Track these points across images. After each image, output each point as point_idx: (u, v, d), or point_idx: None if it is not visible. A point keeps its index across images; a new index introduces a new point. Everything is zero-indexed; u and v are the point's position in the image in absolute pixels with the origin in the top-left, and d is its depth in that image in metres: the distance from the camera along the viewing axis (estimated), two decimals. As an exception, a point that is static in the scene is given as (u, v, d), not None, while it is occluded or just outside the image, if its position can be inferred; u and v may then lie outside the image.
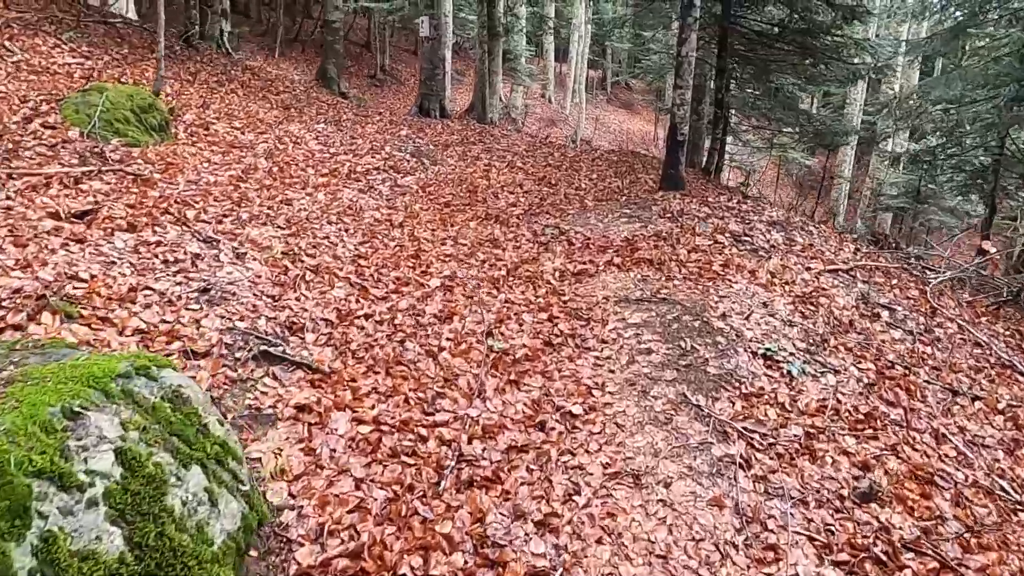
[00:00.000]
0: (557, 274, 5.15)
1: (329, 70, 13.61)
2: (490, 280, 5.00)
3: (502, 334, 4.16)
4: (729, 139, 15.53)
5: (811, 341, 4.24)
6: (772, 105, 13.95)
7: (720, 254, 5.36)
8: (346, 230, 5.39)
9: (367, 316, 4.08)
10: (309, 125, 8.21)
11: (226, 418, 2.71)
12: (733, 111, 13.55)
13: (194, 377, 2.82)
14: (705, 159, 12.57)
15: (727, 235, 5.75)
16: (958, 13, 12.61)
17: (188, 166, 5.81)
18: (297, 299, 3.98)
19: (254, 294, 3.86)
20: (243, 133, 7.24)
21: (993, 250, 7.77)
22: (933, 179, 16.58)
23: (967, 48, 15.30)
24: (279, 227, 5.02)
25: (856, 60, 11.78)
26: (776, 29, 11.36)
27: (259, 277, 4.07)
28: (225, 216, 4.87)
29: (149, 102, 6.43)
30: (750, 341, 4.10)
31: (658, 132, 29.17)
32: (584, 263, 5.35)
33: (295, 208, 5.55)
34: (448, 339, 4.01)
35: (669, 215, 6.25)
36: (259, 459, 2.71)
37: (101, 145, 5.37)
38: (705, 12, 11.74)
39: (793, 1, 10.53)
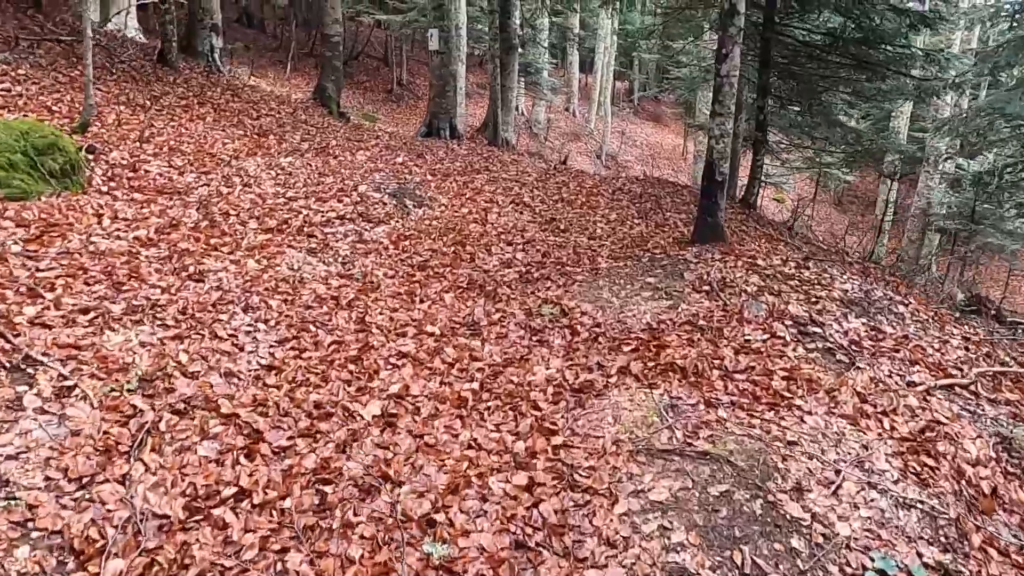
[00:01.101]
0: (551, 390, 3.56)
1: (327, 88, 12.22)
2: (455, 401, 3.45)
3: (450, 522, 2.60)
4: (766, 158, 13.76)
5: (943, 538, 2.61)
6: (816, 122, 12.23)
7: (781, 357, 3.73)
8: (266, 320, 3.89)
9: (241, 496, 2.56)
10: (274, 159, 6.77)
11: None
12: (773, 129, 11.86)
13: None
14: (742, 188, 10.89)
15: (788, 322, 4.12)
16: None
17: (80, 227, 4.37)
18: (121, 479, 2.48)
19: (45, 478, 2.37)
20: (183, 173, 5.81)
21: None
22: (997, 200, 14.61)
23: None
24: (163, 325, 3.54)
25: (916, 72, 9.97)
26: (828, 39, 9.65)
27: (75, 436, 2.58)
28: (85, 312, 3.40)
29: (50, 141, 5.02)
30: (847, 548, 2.48)
31: (687, 146, 27.38)
32: (590, 369, 3.76)
33: (205, 287, 4.07)
34: (363, 539, 2.47)
35: (707, 287, 4.63)
36: None
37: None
38: (744, 21, 10.10)
39: (849, 7, 8.81)
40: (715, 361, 3.71)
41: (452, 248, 5.75)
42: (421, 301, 4.63)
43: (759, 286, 4.62)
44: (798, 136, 13.35)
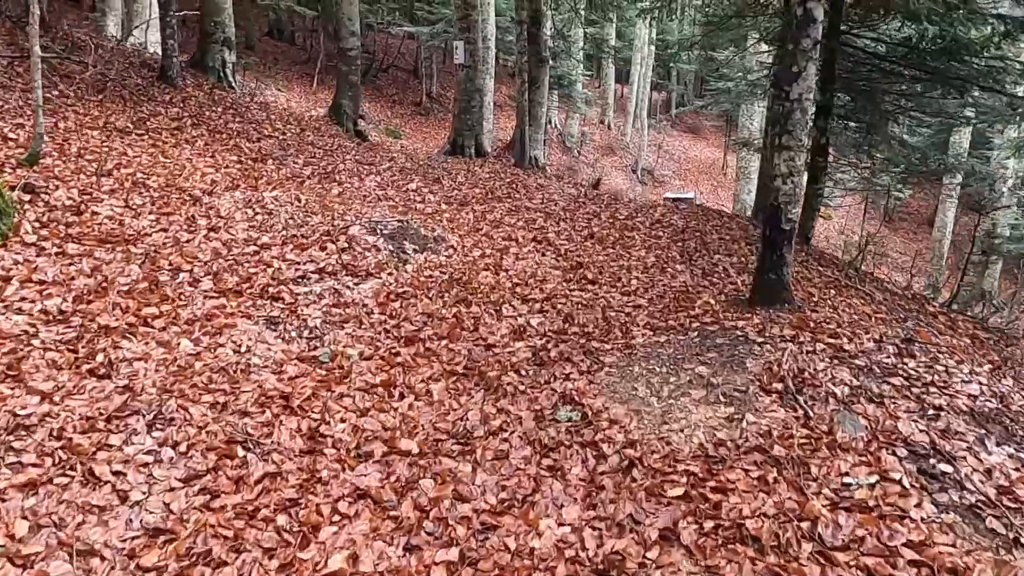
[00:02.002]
0: (562, 570, 2.40)
1: (343, 105, 11.25)
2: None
3: None
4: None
5: None
6: (877, 141, 10.81)
7: (902, 521, 2.49)
8: (177, 444, 2.80)
9: None
10: (257, 193, 5.74)
11: None
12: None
13: None
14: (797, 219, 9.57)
15: (901, 451, 2.88)
16: None
17: (-29, 297, 3.37)
18: None
19: None
20: (139, 215, 4.81)
21: None
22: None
23: None
24: (16, 464, 2.48)
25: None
26: (901, 50, 8.28)
27: None
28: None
29: (-36, 182, 4.07)
30: None
31: (728, 161, 25.86)
32: (620, 527, 2.58)
33: (107, 388, 3.01)
34: None
35: (779, 384, 3.41)
36: None
37: None
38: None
39: (930, 11, 7.43)
40: (803, 525, 2.49)
41: (454, 309, 4.61)
42: (401, 396, 3.50)
43: (851, 385, 3.37)
44: (856, 155, 11.93)
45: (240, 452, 2.83)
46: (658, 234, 7.26)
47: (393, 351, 3.92)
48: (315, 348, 3.79)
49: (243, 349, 3.58)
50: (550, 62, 13.39)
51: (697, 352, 3.83)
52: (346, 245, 5.11)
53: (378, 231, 5.54)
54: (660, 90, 31.62)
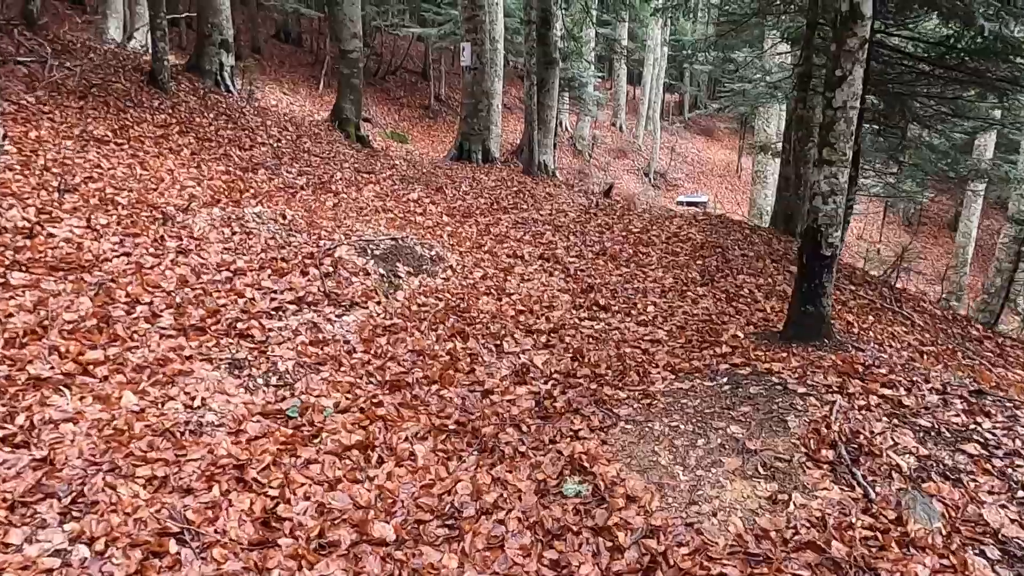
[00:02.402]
0: None
1: (345, 110, 10.73)
2: None
3: None
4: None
5: None
6: (905, 145, 10.19)
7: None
8: (93, 539, 2.26)
9: None
10: (239, 209, 5.22)
11: None
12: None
13: None
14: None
15: (989, 550, 2.29)
16: None
17: None
18: None
19: None
20: (101, 237, 4.29)
21: None
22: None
23: None
24: None
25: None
26: (939, 50, 7.63)
27: None
28: None
29: None
30: None
31: (742, 163, 25.15)
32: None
33: (20, 463, 2.48)
34: None
35: (828, 448, 2.80)
36: None
37: None
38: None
39: (971, 9, 6.78)
40: (879, 665, 1.91)
41: (448, 344, 4.05)
42: (380, 460, 2.94)
43: (917, 455, 2.77)
44: (882, 160, 11.27)
45: (173, 547, 2.28)
46: (675, 250, 6.66)
47: (375, 400, 3.36)
48: (283, 399, 3.24)
49: (197, 403, 3.04)
50: (560, 64, 12.82)
51: (728, 405, 3.24)
52: (331, 269, 4.57)
53: (368, 251, 4.99)
54: (673, 91, 30.93)
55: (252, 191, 6.16)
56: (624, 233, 7.26)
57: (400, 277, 4.84)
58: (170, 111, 7.71)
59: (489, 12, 13.15)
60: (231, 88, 10.37)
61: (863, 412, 3.07)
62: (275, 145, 8.04)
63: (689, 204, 22.20)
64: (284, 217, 5.29)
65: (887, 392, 3.26)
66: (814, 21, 8.65)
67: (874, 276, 7.94)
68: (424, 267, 5.17)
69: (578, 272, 5.82)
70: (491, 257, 5.99)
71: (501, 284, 5.26)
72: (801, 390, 3.30)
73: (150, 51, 8.56)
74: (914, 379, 3.44)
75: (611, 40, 23.05)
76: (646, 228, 7.55)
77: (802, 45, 8.89)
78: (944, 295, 14.57)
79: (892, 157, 11.18)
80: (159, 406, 2.95)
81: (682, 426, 3.11)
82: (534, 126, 10.71)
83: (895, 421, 3.00)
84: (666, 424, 3.15)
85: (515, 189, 8.93)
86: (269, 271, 4.37)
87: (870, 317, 5.39)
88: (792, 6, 8.97)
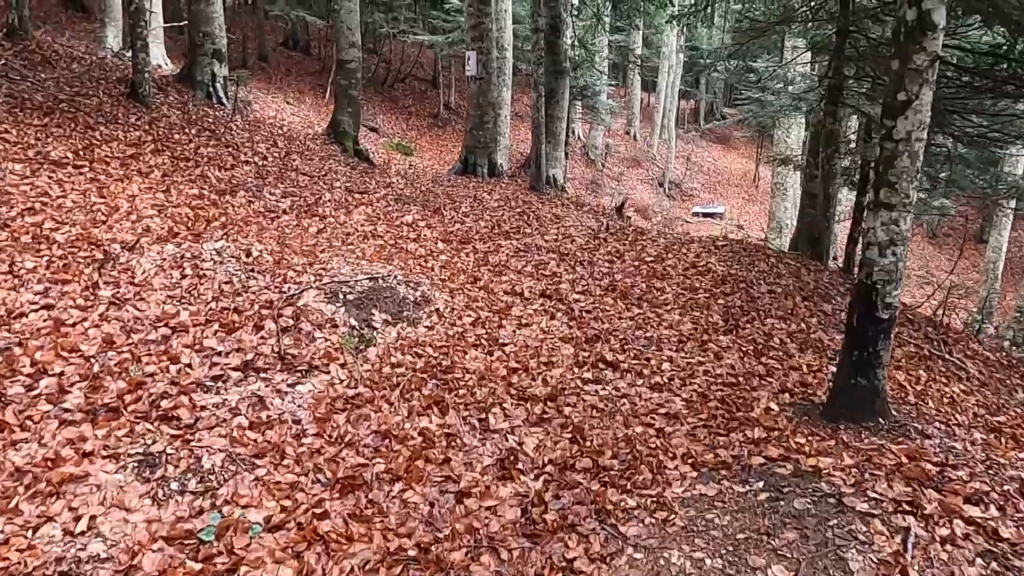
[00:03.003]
0: None
1: (342, 123, 10.07)
2: None
3: None
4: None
5: None
6: (941, 160, 9.37)
7: None
8: None
9: None
10: (197, 245, 4.53)
11: None
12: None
13: None
14: (838, 249, 8.12)
15: None
16: None
17: None
18: None
19: None
20: (23, 286, 3.61)
21: None
22: None
23: None
24: None
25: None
26: (987, 60, 6.81)
27: None
28: None
29: None
30: None
31: (759, 172, 24.22)
32: None
33: None
34: None
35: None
36: None
37: None
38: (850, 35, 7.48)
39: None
40: None
41: (422, 421, 3.32)
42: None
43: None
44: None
45: None
46: (694, 284, 5.89)
47: (318, 509, 2.64)
48: (200, 512, 2.53)
49: (82, 526, 2.34)
50: (570, 73, 12.08)
51: (767, 528, 2.48)
52: (292, 321, 3.86)
53: (340, 296, 4.28)
54: (688, 99, 30.04)
55: (224, 219, 5.48)
56: (636, 262, 6.50)
57: (375, 328, 4.12)
58: (147, 127, 7.08)
59: (497, 19, 12.45)
60: (224, 100, 9.77)
61: (948, 548, 2.30)
62: (260, 164, 7.38)
63: (705, 215, 21.34)
64: (248, 254, 4.59)
65: (974, 512, 2.49)
66: (845, 28, 7.85)
67: (908, 305, 7.11)
68: (406, 312, 4.45)
69: (583, 313, 5.07)
70: (486, 295, 5.27)
71: (494, 332, 4.53)
72: (861, 506, 2.54)
73: (131, 62, 7.92)
74: (1004, 487, 2.66)
75: (625, 47, 22.27)
76: (661, 256, 6.78)
77: (831, 54, 8.10)
78: (977, 316, 13.62)
79: (927, 174, 10.35)
80: (26, 535, 2.25)
81: (708, 560, 2.36)
82: (542, 140, 9.97)
83: (993, 566, 2.22)
84: (686, 555, 2.40)
85: (520, 210, 8.20)
86: (216, 326, 3.67)
87: (921, 372, 4.58)
88: (821, 13, 8.18)
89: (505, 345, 4.36)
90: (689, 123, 28.34)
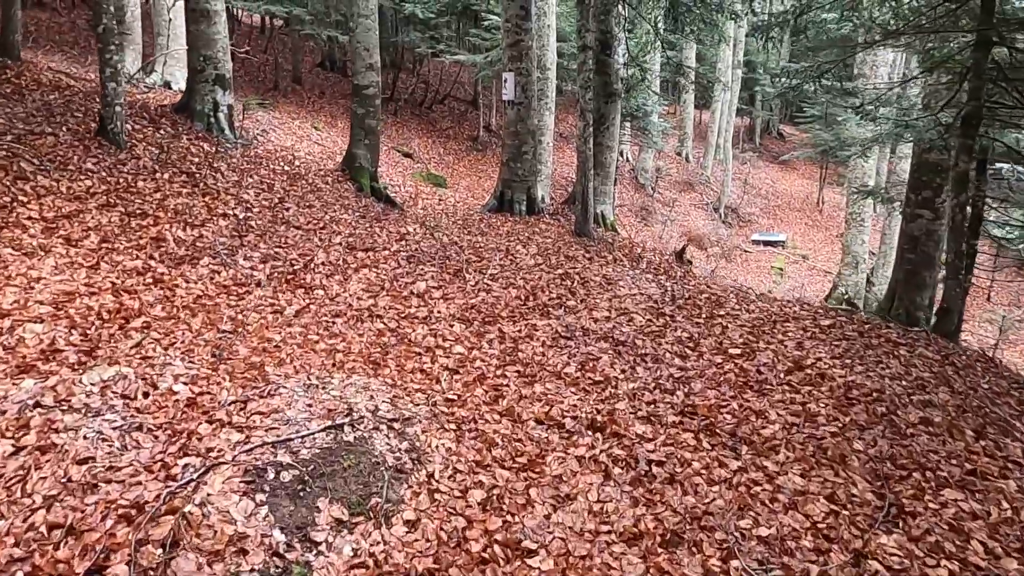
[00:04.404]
0: None
1: (358, 156, 8.54)
2: None
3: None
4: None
5: None
6: None
7: None
8: None
9: None
10: (68, 379, 2.97)
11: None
12: None
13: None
14: (935, 304, 6.13)
15: None
16: None
17: None
18: None
19: None
20: None
21: None
22: None
23: None
24: None
25: None
26: None
27: None
28: None
29: None
30: None
31: (824, 196, 21.84)
32: None
33: None
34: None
35: None
36: None
37: None
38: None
39: None
40: None
41: None
42: None
43: None
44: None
45: None
46: (809, 407, 4.02)
47: None
48: None
49: None
50: (622, 96, 10.29)
51: None
52: (160, 557, 2.20)
53: (270, 474, 2.61)
54: (742, 115, 27.76)
55: (160, 308, 3.93)
56: (718, 356, 4.67)
57: (315, 543, 2.42)
58: (105, 173, 5.64)
59: (540, 36, 10.78)
60: (227, 131, 8.36)
61: None
62: (241, 216, 5.85)
63: (766, 243, 19.15)
64: (149, 392, 2.98)
65: None
66: (987, 40, 5.89)
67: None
68: (377, 492, 2.75)
69: (653, 468, 3.28)
70: (510, 428, 3.53)
71: (517, 519, 2.79)
72: None
73: (100, 95, 6.51)
74: None
75: (677, 63, 20.32)
76: (749, 345, 4.92)
77: (965, 73, 6.11)
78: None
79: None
80: None
81: None
82: (589, 176, 8.21)
83: None
84: None
85: (562, 270, 6.44)
86: (146, 472, 2.06)
87: None
88: (952, 19, 6.20)
89: (532, 555, 2.61)
90: (744, 142, 26.07)
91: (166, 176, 6.01)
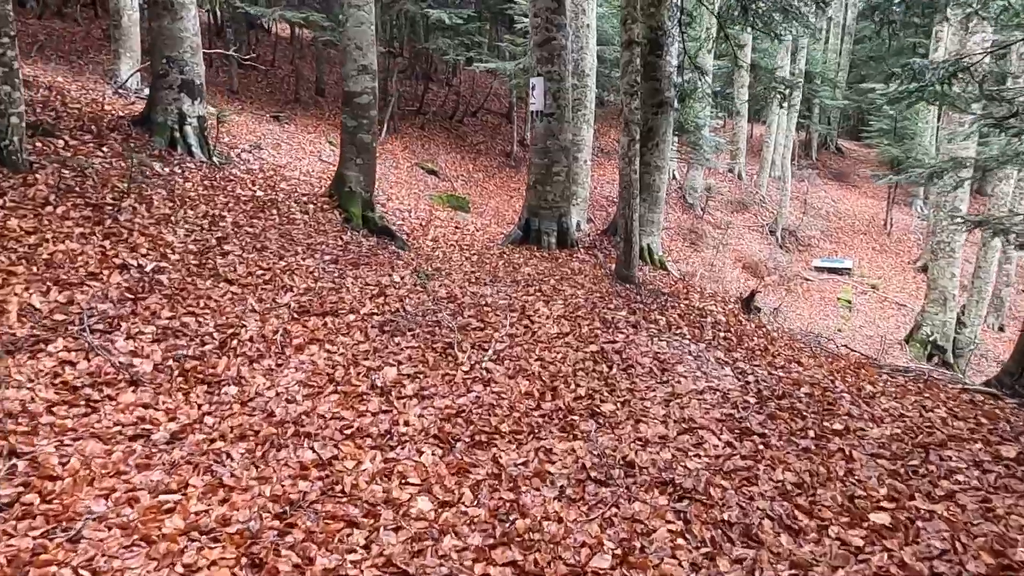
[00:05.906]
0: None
1: (349, 179, 6.80)
2: None
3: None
4: None
5: None
6: None
7: None
8: None
9: None
10: None
11: None
12: None
13: None
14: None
15: None
16: None
17: None
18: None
19: None
20: None
21: None
22: None
23: None
24: None
25: None
26: None
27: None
28: None
29: None
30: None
31: (892, 216, 19.22)
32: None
33: None
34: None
35: None
36: None
37: None
38: None
39: None
40: None
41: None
42: None
43: None
44: None
45: None
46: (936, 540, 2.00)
47: None
48: None
49: None
50: (675, 106, 8.31)
51: None
52: None
53: None
54: (798, 129, 25.21)
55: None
56: (854, 531, 2.67)
57: None
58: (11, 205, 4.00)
59: (577, 37, 8.90)
60: (195, 149, 6.75)
61: None
62: (148, 268, 4.13)
63: (829, 270, 16.72)
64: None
65: None
66: None
67: None
68: None
69: None
70: None
71: None
72: None
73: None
74: None
75: (730, 71, 18.13)
76: (899, 502, 2.90)
77: None
78: None
79: None
80: None
81: None
82: (634, 207, 6.24)
83: None
84: None
85: (596, 345, 4.48)
86: None
87: None
88: None
89: None
90: (800, 158, 23.54)
91: (59, 212, 4.34)
